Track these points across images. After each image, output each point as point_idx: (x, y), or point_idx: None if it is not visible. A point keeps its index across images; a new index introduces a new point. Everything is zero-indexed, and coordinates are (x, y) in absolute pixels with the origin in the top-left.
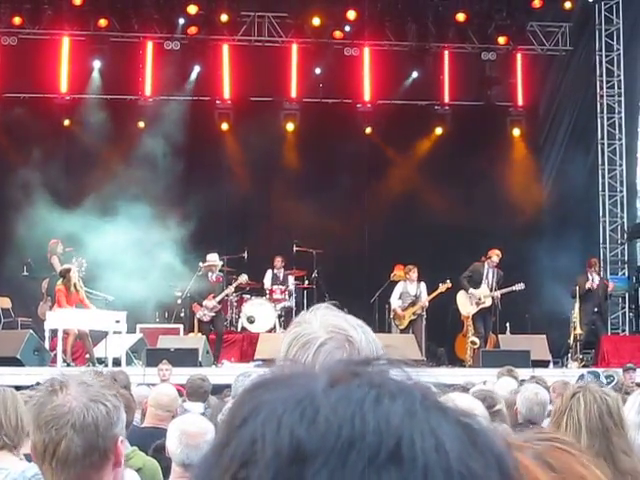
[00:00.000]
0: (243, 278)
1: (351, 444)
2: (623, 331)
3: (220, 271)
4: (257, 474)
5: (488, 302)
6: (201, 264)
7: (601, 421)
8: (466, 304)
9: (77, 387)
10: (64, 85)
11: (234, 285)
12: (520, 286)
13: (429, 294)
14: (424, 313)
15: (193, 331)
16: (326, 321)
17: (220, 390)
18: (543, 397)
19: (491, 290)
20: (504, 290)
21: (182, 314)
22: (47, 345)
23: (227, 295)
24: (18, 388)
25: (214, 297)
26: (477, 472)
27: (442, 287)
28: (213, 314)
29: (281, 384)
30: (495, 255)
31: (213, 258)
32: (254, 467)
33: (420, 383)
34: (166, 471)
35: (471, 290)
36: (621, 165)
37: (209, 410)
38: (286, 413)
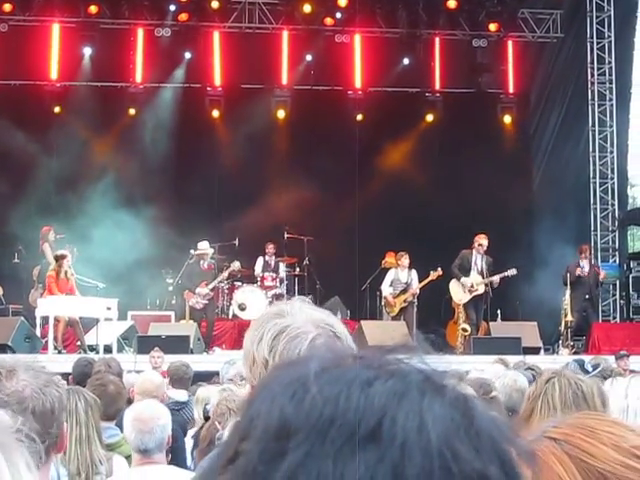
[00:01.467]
0: (235, 265)
1: (332, 421)
2: (614, 318)
3: (211, 258)
4: (249, 448)
5: (481, 289)
6: (192, 251)
7: (576, 406)
8: (459, 292)
9: (27, 372)
10: (54, 72)
11: (227, 272)
12: (512, 271)
13: (420, 281)
14: (415, 300)
15: (184, 318)
16: (311, 315)
17: (211, 377)
18: (522, 384)
19: (482, 276)
20: (497, 276)
21: (173, 301)
22: (38, 332)
23: (220, 282)
24: None
25: (207, 285)
26: (464, 455)
27: (433, 275)
28: (206, 302)
29: (286, 367)
30: (481, 239)
31: (204, 246)
32: (248, 442)
33: (428, 368)
34: None
35: (463, 279)
36: (612, 152)
37: (192, 397)
38: (280, 393)
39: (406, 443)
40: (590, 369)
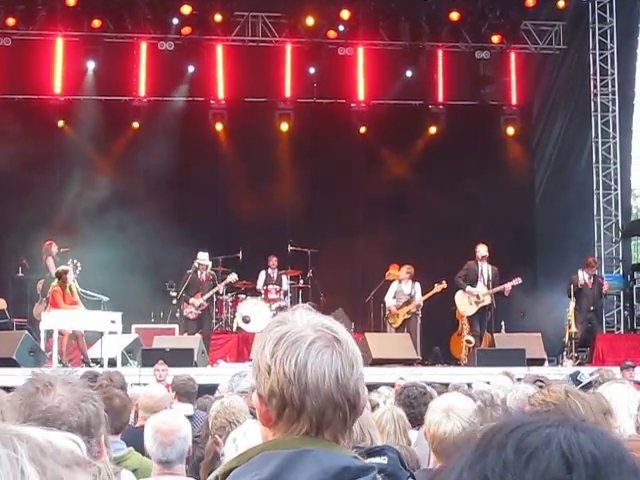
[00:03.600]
0: (232, 277)
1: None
2: (618, 329)
3: (211, 270)
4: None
5: (487, 300)
6: (196, 264)
7: None
8: (465, 304)
9: (64, 387)
10: (58, 86)
11: (223, 284)
12: (517, 281)
13: (424, 294)
14: (419, 312)
15: (196, 330)
16: (311, 320)
17: (214, 390)
18: None
19: (488, 287)
20: (501, 287)
21: (177, 314)
22: (43, 346)
23: (217, 294)
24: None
25: (202, 295)
26: None
27: (437, 287)
28: (199, 312)
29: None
30: (481, 248)
31: (203, 257)
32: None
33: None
34: None
35: (468, 288)
36: (615, 163)
37: (198, 411)
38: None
39: None
40: (583, 380)
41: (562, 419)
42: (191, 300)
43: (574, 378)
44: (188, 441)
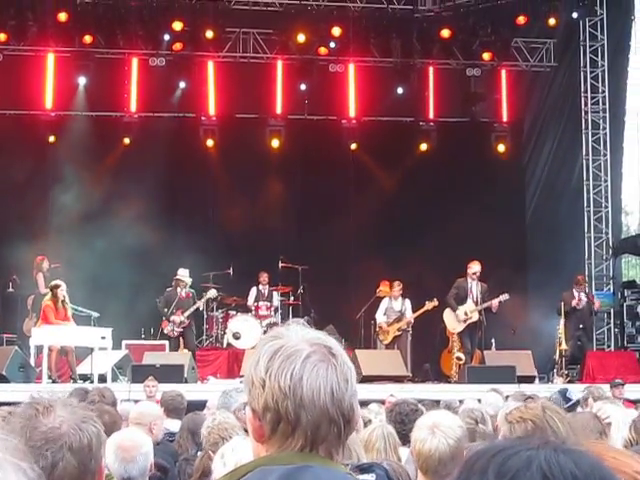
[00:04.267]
0: (211, 293)
1: None
2: (608, 347)
3: (190, 288)
4: None
5: (475, 317)
6: (175, 279)
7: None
8: (453, 321)
9: (64, 409)
10: (49, 101)
11: (202, 300)
12: (505, 296)
13: (415, 311)
14: (409, 329)
15: (179, 347)
16: (306, 334)
17: (204, 407)
18: None
19: (476, 304)
20: (488, 303)
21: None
22: (32, 361)
23: (197, 310)
24: (1, 405)
25: (182, 312)
26: None
27: (428, 305)
28: (181, 330)
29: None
30: (474, 266)
31: (183, 273)
32: None
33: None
34: None
35: (458, 310)
36: (606, 181)
37: None
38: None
39: None
40: (572, 397)
41: (542, 441)
42: (172, 318)
43: (563, 395)
44: (150, 458)
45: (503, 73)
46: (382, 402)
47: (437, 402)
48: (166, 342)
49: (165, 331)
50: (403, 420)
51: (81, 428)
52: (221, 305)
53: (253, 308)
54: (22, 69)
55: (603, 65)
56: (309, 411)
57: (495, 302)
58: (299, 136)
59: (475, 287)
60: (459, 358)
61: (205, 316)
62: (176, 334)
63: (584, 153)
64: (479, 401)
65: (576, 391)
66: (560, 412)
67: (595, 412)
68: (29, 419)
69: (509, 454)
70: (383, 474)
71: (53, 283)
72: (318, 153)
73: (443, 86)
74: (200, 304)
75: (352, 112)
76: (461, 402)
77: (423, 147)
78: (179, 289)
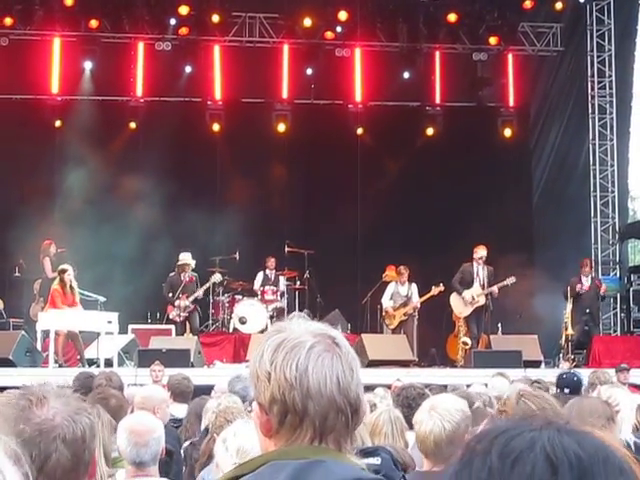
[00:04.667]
0: (216, 277)
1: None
2: (615, 331)
3: (193, 271)
4: None
5: (482, 300)
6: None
7: None
8: (460, 305)
9: (57, 400)
10: (55, 86)
11: (206, 285)
12: (511, 280)
13: (421, 296)
14: (415, 314)
15: (185, 332)
16: (309, 326)
17: (210, 391)
18: None
19: (483, 287)
20: (495, 287)
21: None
22: (39, 346)
23: (204, 294)
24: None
25: (187, 297)
26: None
27: (434, 290)
28: (186, 314)
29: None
30: (480, 250)
31: (185, 257)
32: None
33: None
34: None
35: (464, 292)
36: (612, 166)
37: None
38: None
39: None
40: (570, 383)
41: (546, 422)
42: (177, 302)
43: (559, 380)
44: (162, 442)
45: (510, 57)
46: (388, 387)
47: (445, 387)
48: (172, 327)
49: (170, 316)
50: (410, 404)
51: (74, 420)
52: (227, 290)
53: (259, 292)
54: (28, 53)
55: (610, 49)
56: (316, 401)
57: (496, 287)
58: (305, 121)
59: (481, 271)
60: (465, 343)
61: (211, 301)
62: (181, 319)
63: (591, 138)
64: (486, 385)
65: (579, 374)
66: (538, 395)
67: (605, 397)
68: (22, 410)
69: (512, 435)
70: (388, 457)
71: (60, 267)
72: (324, 138)
73: (449, 71)
74: (203, 289)
75: (358, 97)
76: (468, 387)
77: (429, 132)
78: (183, 274)
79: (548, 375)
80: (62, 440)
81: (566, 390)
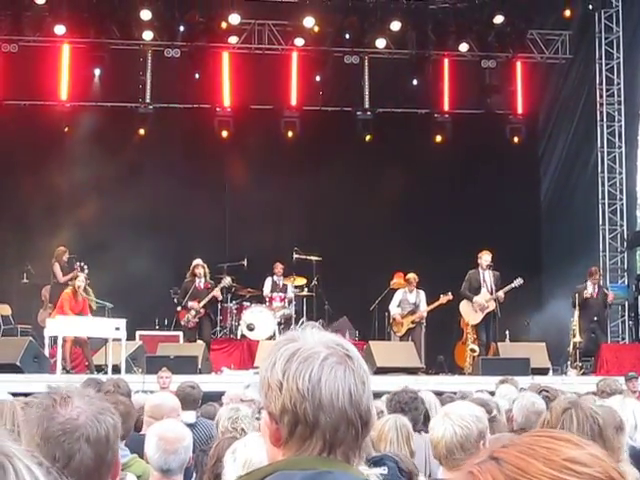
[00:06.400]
0: (226, 281)
1: None
2: (623, 339)
3: (210, 278)
4: None
5: (492, 305)
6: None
7: (592, 439)
8: (471, 313)
9: (81, 399)
10: (64, 92)
11: (217, 288)
12: (519, 281)
13: (429, 304)
14: (423, 321)
15: (195, 339)
16: (322, 337)
17: (218, 398)
18: (540, 406)
19: (491, 292)
20: (501, 291)
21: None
22: (47, 352)
23: (216, 300)
24: (16, 395)
25: (199, 302)
26: None
27: (443, 298)
28: (197, 320)
29: None
30: (484, 255)
31: (197, 262)
32: None
33: None
34: None
35: (475, 298)
36: (621, 173)
37: (201, 419)
38: None
39: None
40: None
41: None
42: (189, 304)
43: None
44: (190, 451)
45: (518, 65)
46: None
47: (454, 394)
48: (180, 333)
49: (182, 322)
50: (403, 409)
51: (98, 419)
52: (235, 296)
53: (267, 299)
54: (37, 60)
55: (618, 57)
56: (328, 413)
57: (501, 292)
58: (314, 127)
59: (488, 276)
60: (473, 350)
61: (219, 307)
62: (193, 324)
63: (599, 145)
64: (492, 394)
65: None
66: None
67: (616, 407)
68: (46, 409)
69: None
70: (394, 466)
71: (74, 273)
72: (333, 144)
73: (458, 78)
74: (216, 291)
75: (367, 104)
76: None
77: (438, 139)
78: (197, 279)
79: (556, 382)
80: (86, 440)
81: None
